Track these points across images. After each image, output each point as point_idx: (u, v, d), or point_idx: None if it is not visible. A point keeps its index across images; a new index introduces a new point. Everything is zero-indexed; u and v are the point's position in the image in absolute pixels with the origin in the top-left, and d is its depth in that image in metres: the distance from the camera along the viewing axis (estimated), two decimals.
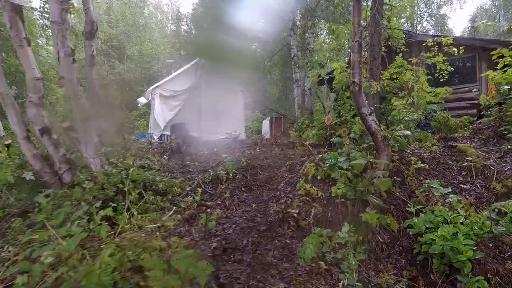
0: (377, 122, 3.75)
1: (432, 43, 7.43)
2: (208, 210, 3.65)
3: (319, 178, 3.78)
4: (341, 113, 6.79)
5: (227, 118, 13.07)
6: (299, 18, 16.36)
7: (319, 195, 3.49)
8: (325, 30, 19.50)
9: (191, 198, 4.08)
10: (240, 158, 5.78)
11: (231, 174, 4.62)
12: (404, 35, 8.44)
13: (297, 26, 16.36)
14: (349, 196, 3.24)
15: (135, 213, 3.73)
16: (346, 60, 9.42)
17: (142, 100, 13.73)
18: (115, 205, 3.66)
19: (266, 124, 22.58)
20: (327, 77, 10.37)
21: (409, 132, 4.39)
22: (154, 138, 12.12)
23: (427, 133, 5.96)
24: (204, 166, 5.51)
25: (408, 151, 4.40)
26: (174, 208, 4.03)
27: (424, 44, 8.18)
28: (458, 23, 62.87)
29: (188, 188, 4.51)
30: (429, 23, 23.95)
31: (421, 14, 24.10)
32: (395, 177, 3.66)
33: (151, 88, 12.24)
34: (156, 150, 7.63)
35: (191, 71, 12.85)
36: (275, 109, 24.02)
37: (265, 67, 17.48)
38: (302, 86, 15.85)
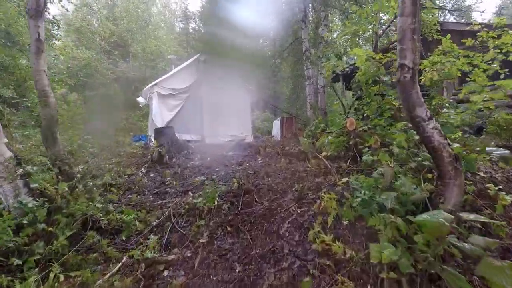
0: (442, 132, 2.24)
1: (479, 26, 5.78)
2: (166, 273, 2.24)
3: (345, 222, 2.32)
4: (366, 115, 5.26)
5: (232, 119, 11.67)
6: (310, 9, 14.77)
7: (347, 256, 2.03)
8: (339, 22, 17.79)
9: (149, 241, 2.68)
10: (233, 173, 4.35)
11: (215, 203, 3.18)
12: (437, 17, 6.82)
13: (309, 19, 14.79)
14: (403, 267, 1.77)
15: (58, 271, 2.36)
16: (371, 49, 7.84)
17: (141, 100, 12.47)
18: (21, 262, 2.30)
19: (276, 125, 21.03)
20: (346, 71, 8.74)
21: (507, 152, 2.84)
22: (152, 141, 10.83)
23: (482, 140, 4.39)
24: (186, 185, 4.10)
25: (479, 174, 2.87)
26: (125, 258, 2.64)
27: (465, 30, 6.52)
28: (480, 16, 59.37)
29: (154, 223, 3.11)
30: (452, 15, 21.82)
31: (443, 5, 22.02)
32: None
33: (148, 86, 10.93)
34: (142, 158, 6.29)
35: (193, 68, 11.50)
36: (285, 109, 22.51)
37: (274, 64, 15.97)
38: (315, 83, 14.29)
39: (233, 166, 4.93)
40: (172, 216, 3.11)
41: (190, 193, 3.69)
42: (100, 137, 10.33)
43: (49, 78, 11.01)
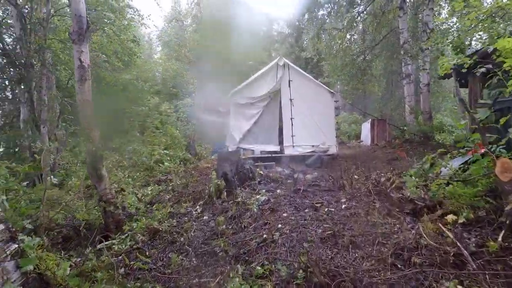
0: None
1: None
2: None
3: None
4: None
5: (314, 128, 10.23)
6: None
7: None
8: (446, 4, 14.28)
9: None
10: (303, 228, 3.07)
11: None
12: None
13: (407, 4, 12.10)
14: None
15: None
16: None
17: (221, 109, 12.14)
18: None
19: (366, 128, 18.43)
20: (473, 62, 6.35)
21: None
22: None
23: None
24: (240, 245, 3.02)
25: None
26: None
27: None
28: None
29: None
30: None
31: None
32: None
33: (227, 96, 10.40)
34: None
35: (271, 74, 10.47)
36: (377, 110, 19.66)
37: (364, 61, 13.74)
38: (414, 81, 11.62)
39: (306, 210, 3.63)
40: None
41: (239, 265, 2.58)
42: (181, 147, 10.37)
43: (142, 88, 11.49)
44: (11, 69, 7.42)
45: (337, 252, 2.58)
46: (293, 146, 10.10)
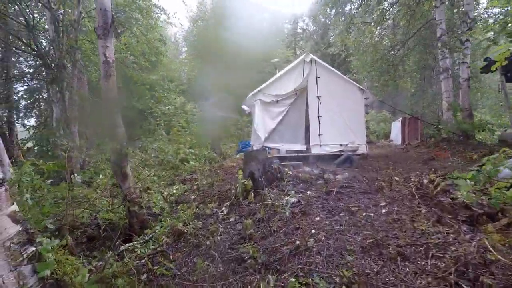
0: None
1: None
2: None
3: None
4: None
5: (342, 126, 9.76)
6: None
7: None
8: None
9: None
10: (341, 233, 2.75)
11: None
12: None
13: None
14: None
15: None
16: None
17: (245, 107, 11.93)
18: None
19: (396, 127, 17.51)
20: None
21: None
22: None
23: None
24: (270, 251, 2.75)
25: None
26: None
27: None
28: None
29: None
30: None
31: None
32: None
33: (251, 94, 10.16)
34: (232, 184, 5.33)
35: (297, 70, 10.11)
36: (408, 108, 18.64)
37: (395, 56, 12.97)
38: (449, 76, 10.75)
39: (342, 214, 3.29)
40: None
41: (270, 276, 2.31)
42: (206, 146, 10.28)
43: (169, 88, 11.52)
44: (45, 70, 7.65)
45: (383, 265, 2.23)
46: (320, 145, 9.68)
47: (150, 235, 3.20)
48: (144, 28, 9.24)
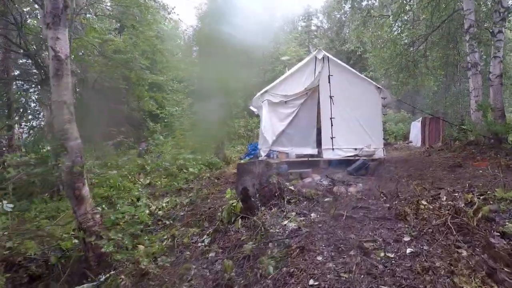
0: None
1: None
2: None
3: None
4: None
5: (357, 128, 8.84)
6: None
7: None
8: None
9: None
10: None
11: None
12: None
13: None
14: None
15: None
16: None
17: (253, 108, 11.18)
18: None
19: (416, 127, 16.26)
20: None
21: None
22: (261, 155, 9.32)
23: None
24: None
25: None
26: None
27: None
28: None
29: None
30: None
31: None
32: None
33: (258, 94, 9.38)
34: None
35: (309, 69, 9.25)
36: (428, 107, 17.31)
37: (416, 51, 11.81)
38: (478, 72, 9.55)
39: (352, 253, 2.48)
40: None
41: None
42: (210, 149, 9.59)
43: (176, 89, 10.86)
44: (35, 70, 7.22)
45: None
46: (333, 149, 8.80)
47: (107, 275, 2.53)
48: (141, 25, 8.67)
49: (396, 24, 11.71)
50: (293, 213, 3.39)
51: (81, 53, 7.50)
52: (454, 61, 13.74)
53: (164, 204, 4.87)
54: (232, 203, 3.40)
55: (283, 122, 9.29)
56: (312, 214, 3.41)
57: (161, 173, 6.66)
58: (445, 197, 3.54)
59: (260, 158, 9.02)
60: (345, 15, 23.52)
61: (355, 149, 8.73)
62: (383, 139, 9.67)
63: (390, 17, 11.92)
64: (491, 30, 9.00)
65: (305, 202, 3.81)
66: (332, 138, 8.80)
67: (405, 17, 12.24)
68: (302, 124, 9.39)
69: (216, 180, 6.36)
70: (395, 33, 11.91)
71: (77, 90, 7.63)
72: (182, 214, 4.40)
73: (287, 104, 9.23)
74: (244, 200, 3.58)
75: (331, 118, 8.79)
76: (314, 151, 9.26)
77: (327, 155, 8.78)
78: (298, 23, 25.26)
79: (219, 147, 8.63)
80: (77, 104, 6.94)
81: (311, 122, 9.48)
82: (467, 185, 4.02)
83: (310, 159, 8.85)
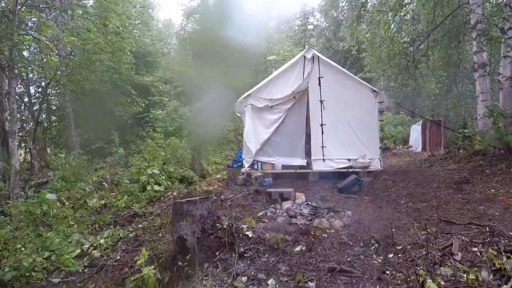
0: None
1: None
2: None
3: None
4: None
5: (351, 136, 7.76)
6: None
7: None
8: None
9: None
10: None
11: None
12: None
13: None
14: None
15: None
16: None
17: (238, 114, 10.11)
18: None
19: (416, 131, 15.15)
20: None
21: None
22: (245, 166, 8.27)
23: None
24: None
25: None
26: None
27: None
28: None
29: None
30: None
31: None
32: None
33: (240, 98, 8.30)
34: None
35: (297, 69, 8.17)
36: (429, 110, 16.22)
37: (416, 51, 10.70)
38: (487, 73, 8.44)
39: None
40: None
41: None
42: (186, 161, 8.55)
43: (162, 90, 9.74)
44: None
45: None
46: (324, 160, 7.74)
47: None
48: (98, 17, 7.59)
49: (394, 20, 10.60)
50: (244, 278, 2.33)
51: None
52: (457, 61, 12.64)
53: (102, 241, 3.82)
54: (143, 274, 2.32)
55: (269, 129, 8.25)
56: (270, 280, 2.34)
57: (120, 192, 5.63)
58: (459, 254, 2.47)
59: (243, 169, 7.99)
60: (343, 13, 22.44)
61: (349, 160, 7.68)
62: (381, 144, 8.60)
63: (389, 14, 10.82)
64: (501, 27, 7.90)
65: (266, 255, 2.73)
66: (322, 147, 7.74)
67: (404, 14, 11.13)
68: (289, 131, 8.34)
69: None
70: (393, 30, 10.80)
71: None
72: (119, 257, 3.38)
73: (273, 109, 8.18)
74: (181, 253, 2.53)
75: (321, 125, 7.73)
76: (303, 161, 8.20)
77: (317, 166, 7.72)
78: (294, 22, 24.10)
79: (194, 157, 7.56)
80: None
81: (300, 129, 8.43)
82: (487, 229, 2.94)
83: (298, 171, 7.80)
